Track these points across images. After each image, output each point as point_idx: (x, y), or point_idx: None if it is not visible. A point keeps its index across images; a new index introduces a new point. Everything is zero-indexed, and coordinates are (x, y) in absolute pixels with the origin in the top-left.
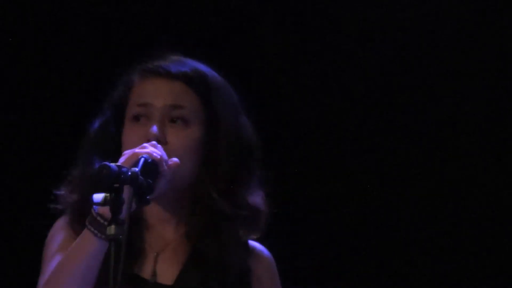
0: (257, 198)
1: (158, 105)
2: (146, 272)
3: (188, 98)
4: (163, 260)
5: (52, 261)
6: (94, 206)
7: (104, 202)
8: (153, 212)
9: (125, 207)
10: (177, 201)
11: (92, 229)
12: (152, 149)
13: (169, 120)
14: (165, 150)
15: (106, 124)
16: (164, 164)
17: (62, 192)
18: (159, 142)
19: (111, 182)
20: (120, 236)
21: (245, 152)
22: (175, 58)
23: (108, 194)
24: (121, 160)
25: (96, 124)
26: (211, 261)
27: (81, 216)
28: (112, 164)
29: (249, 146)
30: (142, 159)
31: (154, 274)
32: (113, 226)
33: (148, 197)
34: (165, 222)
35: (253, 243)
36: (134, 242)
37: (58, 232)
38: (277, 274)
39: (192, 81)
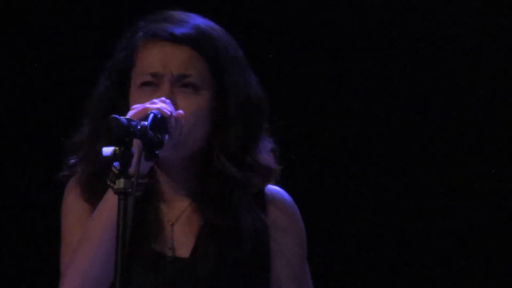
0: (267, 156)
1: (168, 74)
2: (164, 246)
3: (196, 65)
4: (179, 231)
5: (72, 234)
6: (114, 163)
7: (113, 156)
8: (165, 181)
9: (134, 161)
10: (188, 168)
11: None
12: (162, 105)
13: (179, 87)
14: None
15: (110, 89)
16: (173, 120)
17: (71, 160)
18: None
19: (121, 135)
20: (129, 190)
21: (255, 112)
22: (177, 17)
23: (117, 148)
24: (130, 113)
25: (101, 88)
26: (225, 231)
27: (94, 184)
28: (122, 117)
29: (258, 104)
30: (152, 115)
31: (171, 247)
32: (122, 180)
33: (157, 152)
34: (177, 190)
35: (270, 189)
36: (149, 214)
37: (72, 205)
38: (297, 216)
39: (199, 45)
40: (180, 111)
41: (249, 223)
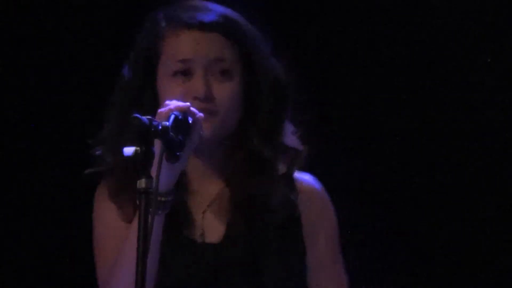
0: (293, 138)
1: (201, 61)
2: (194, 232)
3: (227, 50)
4: (210, 217)
5: (105, 245)
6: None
7: (135, 156)
8: (196, 166)
9: (155, 161)
10: (219, 152)
11: None
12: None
13: (212, 74)
14: (213, 105)
15: (135, 80)
16: (194, 122)
17: (99, 152)
18: (207, 98)
19: (142, 134)
20: (151, 189)
21: (282, 93)
22: (201, 6)
23: (138, 148)
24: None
25: (124, 80)
26: (256, 215)
27: (122, 182)
28: (143, 117)
29: (284, 87)
30: (173, 116)
31: (202, 233)
32: (143, 180)
33: (178, 153)
34: (208, 176)
35: (300, 176)
36: (180, 201)
37: (102, 214)
38: (330, 205)
39: (228, 31)
40: (201, 114)
41: (279, 205)
